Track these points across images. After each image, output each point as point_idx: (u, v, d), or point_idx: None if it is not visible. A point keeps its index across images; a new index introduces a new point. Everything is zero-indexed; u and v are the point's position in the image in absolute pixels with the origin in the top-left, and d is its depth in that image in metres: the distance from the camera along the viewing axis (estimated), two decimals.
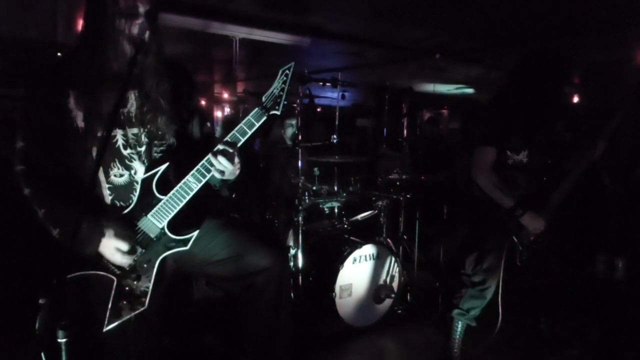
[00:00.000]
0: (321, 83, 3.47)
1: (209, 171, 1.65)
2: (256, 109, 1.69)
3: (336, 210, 3.61)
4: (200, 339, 2.88)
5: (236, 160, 1.67)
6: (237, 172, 1.73)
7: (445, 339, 2.68)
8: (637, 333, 2.89)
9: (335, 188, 3.61)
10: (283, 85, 1.71)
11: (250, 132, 1.68)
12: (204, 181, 1.66)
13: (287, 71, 1.72)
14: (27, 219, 1.58)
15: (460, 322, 2.61)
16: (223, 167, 1.64)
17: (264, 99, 1.70)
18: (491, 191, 2.43)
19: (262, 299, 1.82)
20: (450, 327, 2.64)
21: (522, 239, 2.44)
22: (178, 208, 1.64)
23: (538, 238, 2.44)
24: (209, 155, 1.64)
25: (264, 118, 1.69)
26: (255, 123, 1.68)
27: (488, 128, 2.51)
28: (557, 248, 2.52)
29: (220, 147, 1.64)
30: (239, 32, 4.77)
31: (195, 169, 1.64)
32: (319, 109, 4.63)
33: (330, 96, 7.03)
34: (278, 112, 1.71)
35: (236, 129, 1.68)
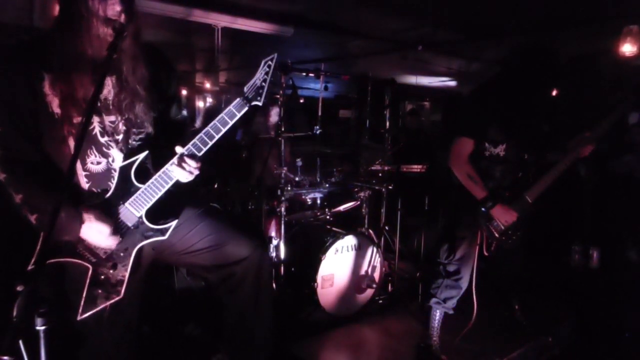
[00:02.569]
0: (304, 73, 3.46)
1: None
2: (238, 99, 1.67)
3: (318, 201, 3.62)
4: (180, 328, 2.87)
5: (194, 168, 1.64)
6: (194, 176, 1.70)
7: (424, 328, 2.72)
8: (611, 320, 2.98)
9: (318, 179, 3.62)
10: (265, 77, 1.69)
11: (231, 123, 1.66)
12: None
13: (270, 62, 1.70)
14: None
15: (438, 311, 2.65)
16: (178, 176, 1.64)
17: (245, 89, 1.69)
18: (465, 181, 2.47)
19: (241, 288, 1.82)
20: (429, 316, 2.68)
21: (491, 231, 2.48)
22: (156, 197, 1.62)
23: (508, 230, 2.49)
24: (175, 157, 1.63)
25: (246, 109, 1.68)
26: (237, 113, 1.67)
27: (467, 119, 2.55)
28: (528, 239, 2.58)
29: (176, 160, 1.62)
30: (221, 20, 4.71)
31: (176, 157, 1.62)
32: (301, 100, 4.61)
33: (313, 87, 7.01)
34: (260, 103, 1.70)
35: (217, 119, 1.66)
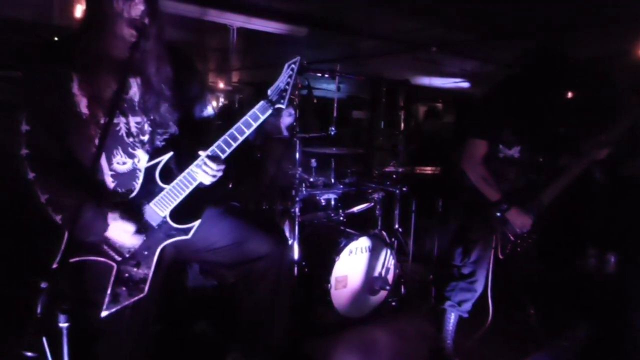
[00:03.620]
0: (319, 74, 3.47)
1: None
2: (262, 102, 1.68)
3: (332, 202, 3.62)
4: (192, 326, 2.89)
5: (217, 170, 1.66)
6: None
7: (437, 331, 2.71)
8: (627, 327, 2.94)
9: (332, 180, 3.62)
10: (289, 80, 1.70)
11: (255, 125, 1.67)
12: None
13: (293, 65, 1.71)
14: (24, 203, 1.57)
15: (452, 314, 2.64)
16: (201, 178, 1.65)
17: (269, 92, 1.69)
18: (478, 183, 2.45)
19: (261, 286, 1.83)
20: (443, 319, 2.66)
21: (506, 234, 2.46)
22: (180, 198, 1.64)
23: (523, 233, 2.47)
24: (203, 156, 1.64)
25: (270, 111, 1.69)
26: (261, 116, 1.68)
27: (481, 121, 2.54)
28: (543, 243, 2.56)
29: (200, 162, 1.63)
30: (237, 20, 4.73)
31: (200, 159, 1.64)
32: (315, 100, 4.62)
33: (325, 87, 7.02)
34: (283, 106, 1.70)
35: (241, 121, 1.67)
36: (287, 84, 1.70)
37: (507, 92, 2.52)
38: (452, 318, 2.64)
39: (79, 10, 3.55)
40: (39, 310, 1.11)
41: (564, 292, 2.83)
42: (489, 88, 2.65)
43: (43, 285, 1.16)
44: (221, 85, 7.36)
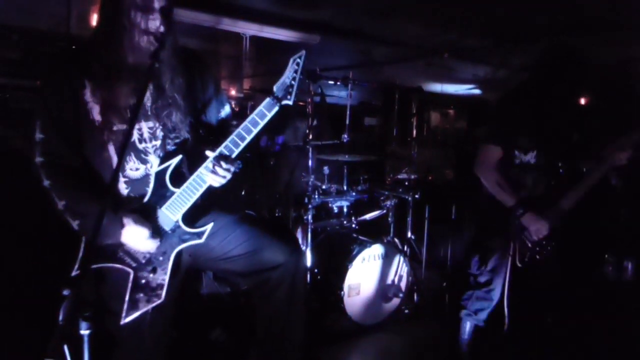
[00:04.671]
0: (332, 81, 3.47)
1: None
2: (267, 98, 1.64)
3: (345, 209, 3.62)
4: (207, 333, 2.89)
5: (227, 171, 1.64)
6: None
7: (451, 339, 2.68)
8: None
9: (345, 187, 3.62)
10: (294, 74, 1.65)
11: (262, 123, 1.64)
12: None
13: (299, 60, 1.66)
14: (40, 211, 1.59)
15: (468, 323, 2.61)
16: (211, 180, 1.64)
17: (275, 88, 1.65)
18: (493, 189, 2.42)
19: (277, 294, 1.82)
20: (459, 328, 2.63)
21: (524, 241, 2.41)
22: (192, 201, 1.64)
23: (542, 240, 2.41)
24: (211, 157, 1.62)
25: (276, 108, 1.65)
26: (267, 113, 1.64)
27: (495, 126, 2.51)
28: (561, 250, 2.51)
29: (209, 163, 1.62)
30: (250, 29, 4.76)
31: (208, 160, 1.63)
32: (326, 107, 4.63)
33: (337, 94, 7.03)
34: (290, 102, 1.66)
35: (248, 119, 1.64)
36: (293, 79, 1.65)
37: (521, 97, 2.49)
38: (467, 327, 2.61)
39: (95, 19, 3.61)
40: (61, 317, 1.12)
41: (580, 299, 2.78)
42: (503, 93, 2.63)
43: (65, 292, 1.17)
44: (233, 92, 7.39)
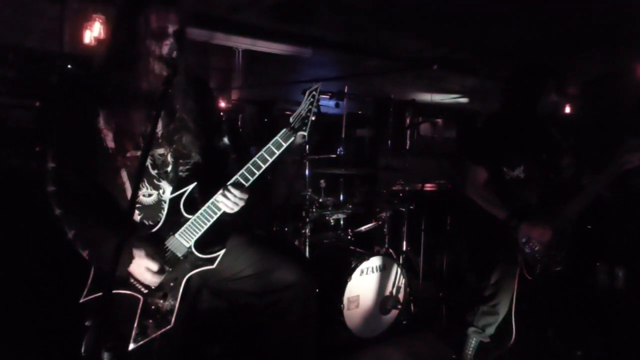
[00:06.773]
0: (326, 96, 3.51)
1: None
2: (284, 129, 1.68)
3: (341, 222, 3.64)
4: (206, 350, 2.87)
5: (240, 199, 1.66)
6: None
7: (450, 349, 2.69)
8: (638, 342, 2.94)
9: (341, 199, 3.64)
10: (310, 107, 1.70)
11: (278, 153, 1.67)
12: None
13: (314, 92, 1.71)
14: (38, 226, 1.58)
15: (474, 339, 2.58)
16: (225, 207, 1.66)
17: (291, 119, 1.70)
18: (484, 205, 2.48)
19: (289, 314, 1.82)
20: (464, 342, 2.60)
21: (530, 252, 2.40)
22: (205, 227, 1.65)
23: (550, 250, 2.40)
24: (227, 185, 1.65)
25: (292, 138, 1.69)
26: (283, 144, 1.68)
27: (477, 148, 2.59)
28: (570, 260, 2.53)
29: (224, 191, 1.64)
30: (243, 43, 4.79)
31: (223, 188, 1.65)
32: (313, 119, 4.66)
33: (325, 104, 7.08)
34: (305, 133, 1.70)
35: (264, 149, 1.67)
36: (309, 111, 1.70)
37: (500, 115, 2.59)
38: (473, 342, 2.58)
39: (87, 37, 3.58)
40: (83, 349, 1.12)
41: (578, 308, 2.83)
42: (486, 116, 2.72)
43: (87, 323, 1.17)
44: (222, 104, 7.40)
